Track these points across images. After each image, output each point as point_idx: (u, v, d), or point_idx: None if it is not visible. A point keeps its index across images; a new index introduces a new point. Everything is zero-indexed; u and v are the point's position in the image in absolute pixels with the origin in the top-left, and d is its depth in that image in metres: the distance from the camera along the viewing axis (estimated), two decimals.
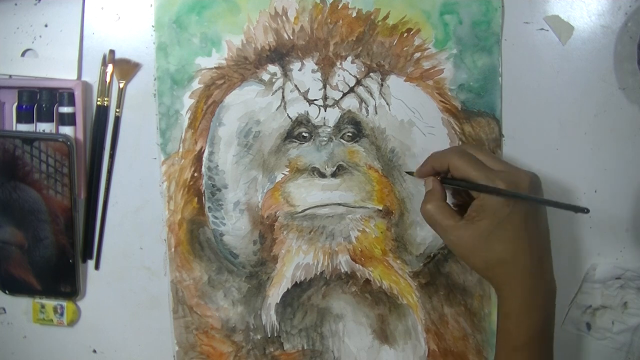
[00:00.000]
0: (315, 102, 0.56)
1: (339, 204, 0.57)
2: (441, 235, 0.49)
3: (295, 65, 0.56)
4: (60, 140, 0.55)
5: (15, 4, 0.56)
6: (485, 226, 0.46)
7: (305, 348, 0.58)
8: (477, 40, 0.55)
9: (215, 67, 0.56)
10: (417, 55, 0.56)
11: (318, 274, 0.58)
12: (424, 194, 0.51)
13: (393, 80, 0.56)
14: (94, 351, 0.60)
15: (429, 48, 0.56)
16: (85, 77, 0.57)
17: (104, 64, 0.56)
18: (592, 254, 0.58)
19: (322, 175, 0.57)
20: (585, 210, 0.44)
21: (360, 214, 0.57)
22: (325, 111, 0.56)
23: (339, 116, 0.56)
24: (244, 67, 0.56)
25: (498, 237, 0.46)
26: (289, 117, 0.56)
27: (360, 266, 0.57)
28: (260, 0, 0.55)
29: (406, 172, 0.56)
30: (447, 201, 0.50)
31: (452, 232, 0.47)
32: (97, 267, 0.59)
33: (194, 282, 0.58)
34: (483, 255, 0.46)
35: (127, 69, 0.56)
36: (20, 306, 0.60)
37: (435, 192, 0.50)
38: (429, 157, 0.51)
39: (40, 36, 0.56)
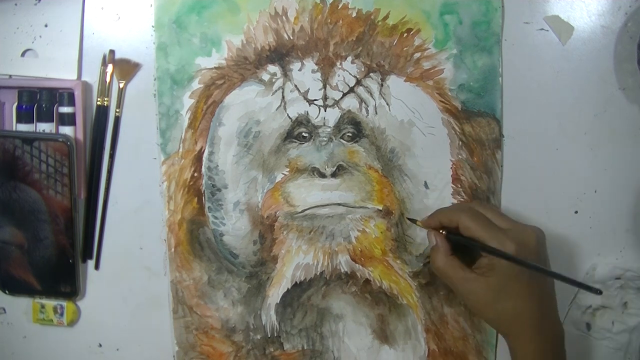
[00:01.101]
0: (315, 102, 0.56)
1: (339, 204, 0.57)
2: (454, 286, 0.51)
3: (295, 65, 0.56)
4: (60, 140, 0.55)
5: (15, 4, 0.56)
6: (496, 282, 0.48)
7: (305, 348, 0.58)
8: (477, 40, 0.55)
9: (215, 67, 0.56)
10: (417, 55, 0.56)
11: (318, 274, 0.58)
12: (430, 248, 0.53)
13: (393, 81, 0.56)
14: (94, 351, 0.60)
15: (429, 48, 0.56)
16: (85, 77, 0.57)
17: (104, 64, 0.56)
18: (592, 254, 0.58)
19: (322, 175, 0.57)
20: (597, 292, 0.44)
21: (360, 214, 0.57)
22: (325, 111, 0.56)
23: (339, 116, 0.56)
24: (244, 67, 0.56)
25: (508, 293, 0.48)
26: (289, 117, 0.56)
27: (360, 266, 0.57)
28: (260, 0, 0.55)
29: (408, 219, 0.56)
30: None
31: (464, 284, 0.50)
32: (97, 267, 0.59)
33: (194, 282, 0.58)
34: (494, 308, 0.49)
35: (127, 69, 0.56)
36: (20, 306, 0.60)
37: (442, 248, 0.51)
38: (438, 212, 0.53)
39: (40, 36, 0.56)
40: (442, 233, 0.52)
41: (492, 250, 0.48)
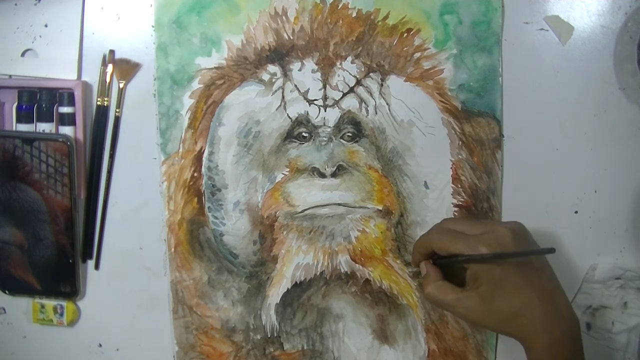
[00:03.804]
0: (315, 102, 0.56)
1: (339, 204, 0.57)
2: (450, 310, 0.50)
3: (295, 65, 0.56)
4: (60, 140, 0.55)
5: (15, 4, 0.56)
6: (485, 291, 0.48)
7: (305, 348, 0.58)
8: (477, 40, 0.55)
9: (215, 67, 0.56)
10: (417, 55, 0.56)
11: (318, 274, 0.58)
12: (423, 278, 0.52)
13: (393, 80, 0.56)
14: (94, 351, 0.60)
15: (429, 48, 0.56)
16: (85, 77, 0.57)
17: (104, 64, 0.56)
18: (592, 254, 0.58)
19: (322, 175, 0.57)
20: (552, 251, 0.47)
21: (360, 214, 0.57)
22: (325, 111, 0.56)
23: (339, 116, 0.56)
24: (244, 67, 0.56)
25: (501, 296, 0.47)
26: (289, 117, 0.56)
27: (360, 266, 0.57)
28: (260, 0, 0.55)
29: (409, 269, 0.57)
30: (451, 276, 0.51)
31: (458, 305, 0.49)
32: (97, 267, 0.59)
33: (194, 282, 0.58)
34: (494, 317, 0.48)
35: (127, 69, 0.56)
36: (20, 306, 0.60)
37: (430, 274, 0.51)
38: (414, 245, 0.54)
39: (40, 36, 0.56)
40: (429, 261, 0.52)
41: (467, 258, 0.47)
